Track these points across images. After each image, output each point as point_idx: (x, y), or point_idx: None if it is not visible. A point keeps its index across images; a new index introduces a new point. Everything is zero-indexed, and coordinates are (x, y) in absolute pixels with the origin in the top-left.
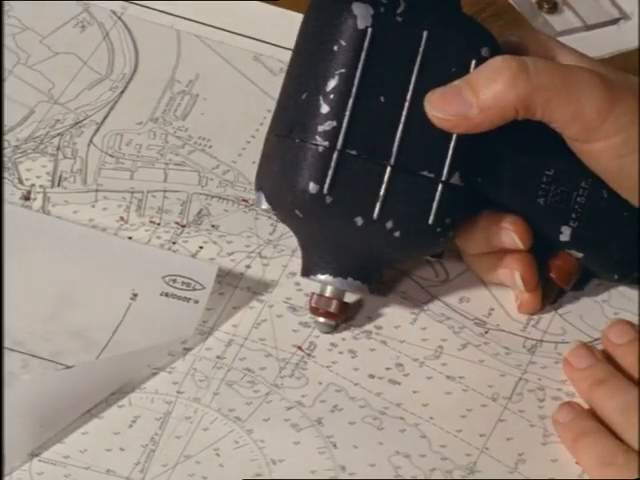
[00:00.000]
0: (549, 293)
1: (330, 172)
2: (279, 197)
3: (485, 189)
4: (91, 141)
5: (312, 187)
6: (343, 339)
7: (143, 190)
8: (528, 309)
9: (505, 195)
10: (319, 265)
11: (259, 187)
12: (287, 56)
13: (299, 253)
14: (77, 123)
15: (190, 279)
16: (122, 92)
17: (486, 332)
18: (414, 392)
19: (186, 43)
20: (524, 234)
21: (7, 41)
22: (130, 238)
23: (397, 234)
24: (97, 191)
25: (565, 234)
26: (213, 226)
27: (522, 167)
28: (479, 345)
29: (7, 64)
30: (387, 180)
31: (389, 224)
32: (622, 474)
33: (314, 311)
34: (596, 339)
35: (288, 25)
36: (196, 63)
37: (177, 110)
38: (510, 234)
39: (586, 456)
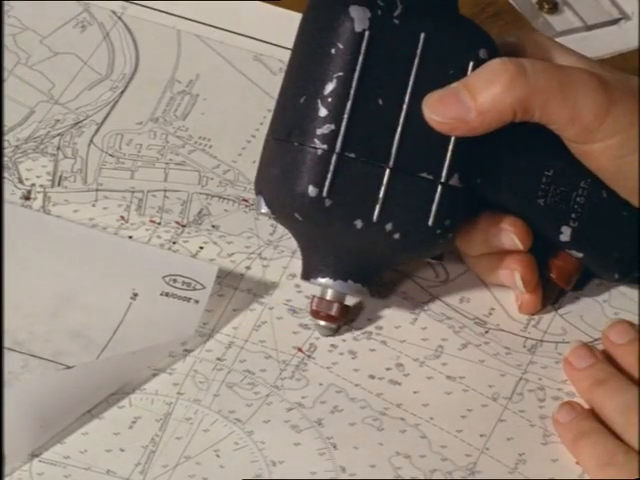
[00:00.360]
0: (549, 293)
1: (329, 175)
2: (278, 201)
3: (484, 190)
4: (91, 141)
5: (311, 190)
6: (343, 340)
7: (143, 190)
8: (528, 309)
9: (504, 196)
10: (319, 268)
11: (258, 191)
12: (287, 56)
13: (299, 254)
14: (77, 123)
15: (190, 279)
16: (122, 92)
17: (486, 332)
18: (414, 392)
19: (186, 43)
20: (524, 235)
21: (7, 41)
22: (130, 237)
23: (397, 236)
24: (97, 190)
25: (565, 234)
26: (213, 226)
27: (521, 168)
28: (479, 345)
29: (7, 64)
30: (386, 182)
31: (389, 226)
32: (622, 474)
33: (315, 314)
34: (596, 339)
35: (288, 25)
36: (196, 63)
37: (177, 110)
38: (510, 235)
39: (586, 456)
